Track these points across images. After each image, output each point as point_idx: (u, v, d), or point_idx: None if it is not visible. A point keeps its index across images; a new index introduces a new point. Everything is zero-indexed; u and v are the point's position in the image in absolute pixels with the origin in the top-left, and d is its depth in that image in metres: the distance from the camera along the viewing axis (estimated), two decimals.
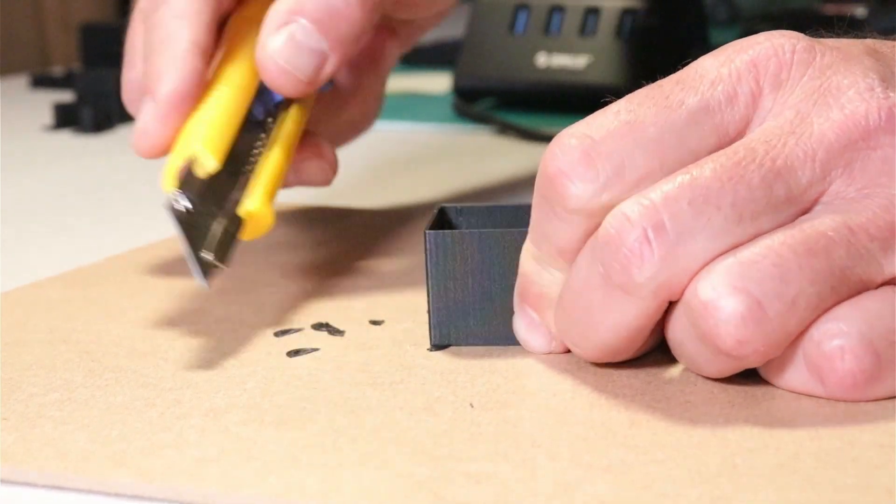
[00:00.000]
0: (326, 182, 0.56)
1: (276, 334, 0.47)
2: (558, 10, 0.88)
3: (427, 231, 0.44)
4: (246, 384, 0.42)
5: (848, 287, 0.38)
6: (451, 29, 1.02)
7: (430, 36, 0.85)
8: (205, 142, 0.46)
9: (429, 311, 0.44)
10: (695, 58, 0.41)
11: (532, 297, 0.42)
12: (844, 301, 0.38)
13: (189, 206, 0.44)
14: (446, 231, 0.44)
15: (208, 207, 0.45)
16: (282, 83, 0.50)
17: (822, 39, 0.41)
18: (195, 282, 0.44)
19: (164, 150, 0.49)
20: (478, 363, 0.43)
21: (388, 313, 0.48)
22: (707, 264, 0.38)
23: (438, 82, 1.01)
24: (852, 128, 0.39)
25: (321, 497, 0.34)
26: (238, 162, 0.48)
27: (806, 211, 0.39)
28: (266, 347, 0.45)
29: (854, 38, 0.42)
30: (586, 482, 0.34)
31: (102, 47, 1.08)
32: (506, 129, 0.84)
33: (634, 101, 0.40)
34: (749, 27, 1.06)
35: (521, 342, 0.43)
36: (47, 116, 0.93)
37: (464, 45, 0.92)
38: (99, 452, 0.37)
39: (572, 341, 0.41)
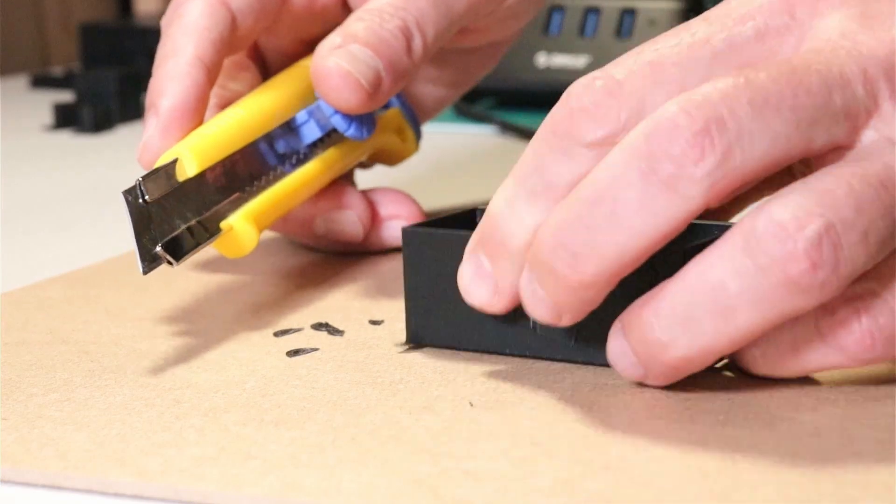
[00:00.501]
0: (357, 237, 0.55)
1: (276, 334, 0.47)
2: (558, 9, 0.88)
3: (402, 227, 0.44)
4: (245, 384, 0.42)
5: None
6: None
7: None
8: (192, 149, 0.47)
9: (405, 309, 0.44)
10: None
11: (491, 243, 0.39)
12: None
13: (147, 197, 0.44)
14: (419, 229, 0.44)
15: (179, 209, 0.46)
16: (342, 87, 0.50)
17: None
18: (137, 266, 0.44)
19: None
20: (478, 362, 0.43)
21: (388, 313, 0.48)
22: (762, 171, 0.36)
23: None
24: None
25: (321, 496, 0.34)
26: (237, 181, 0.48)
27: (857, 130, 0.37)
28: (266, 347, 0.45)
29: None
30: (585, 480, 0.34)
31: (102, 47, 1.08)
32: (506, 129, 0.84)
33: (661, 41, 0.39)
34: None
35: (462, 291, 0.40)
36: (47, 116, 0.93)
37: None
38: (99, 452, 0.37)
39: (570, 252, 0.37)
